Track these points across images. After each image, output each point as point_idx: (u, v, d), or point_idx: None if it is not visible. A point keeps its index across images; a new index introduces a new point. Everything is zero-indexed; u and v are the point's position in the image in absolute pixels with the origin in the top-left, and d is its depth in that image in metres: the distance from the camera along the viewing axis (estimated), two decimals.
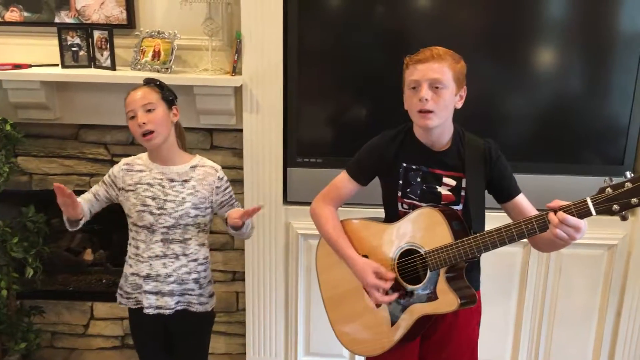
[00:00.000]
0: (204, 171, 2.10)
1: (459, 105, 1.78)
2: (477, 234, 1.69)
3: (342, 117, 2.70)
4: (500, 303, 2.76)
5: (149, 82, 2.09)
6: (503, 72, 2.59)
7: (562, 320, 2.78)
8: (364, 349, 1.95)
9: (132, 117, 2.01)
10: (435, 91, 1.69)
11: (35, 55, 2.72)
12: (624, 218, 1.52)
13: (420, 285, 1.78)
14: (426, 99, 1.68)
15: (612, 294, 2.73)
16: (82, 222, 2.07)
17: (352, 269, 1.87)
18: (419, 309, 1.79)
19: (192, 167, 2.09)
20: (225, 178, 2.15)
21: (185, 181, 2.07)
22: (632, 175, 1.49)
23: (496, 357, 2.83)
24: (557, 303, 2.76)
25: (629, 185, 1.48)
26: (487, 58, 2.56)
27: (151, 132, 1.99)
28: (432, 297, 1.76)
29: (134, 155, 2.17)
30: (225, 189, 2.14)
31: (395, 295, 1.80)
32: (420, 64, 1.71)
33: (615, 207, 1.49)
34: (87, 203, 2.11)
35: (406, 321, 1.81)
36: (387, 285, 1.79)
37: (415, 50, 1.79)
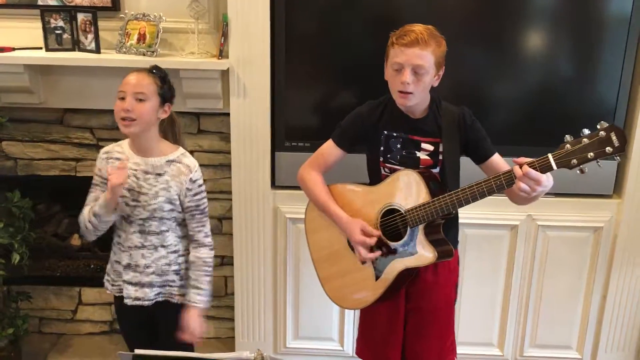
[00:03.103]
0: (177, 168, 2.00)
1: (436, 83, 1.88)
2: (452, 192, 1.81)
3: (330, 100, 2.68)
4: (487, 285, 2.77)
5: (153, 70, 1.99)
6: (490, 55, 2.59)
7: (549, 302, 2.80)
8: (350, 303, 2.14)
9: (122, 99, 1.93)
10: (417, 76, 1.80)
11: (18, 39, 2.67)
12: (582, 171, 1.62)
13: (401, 241, 1.92)
14: (408, 83, 1.79)
15: (597, 277, 2.76)
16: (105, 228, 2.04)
17: (340, 227, 2.01)
18: (400, 264, 1.93)
19: (168, 161, 2.00)
20: (200, 182, 2.03)
21: (159, 175, 1.99)
22: (589, 131, 1.60)
23: (483, 339, 2.86)
24: (543, 285, 2.78)
25: (585, 141, 1.60)
26: (474, 42, 2.55)
27: (132, 119, 1.91)
28: (412, 252, 1.90)
29: (120, 139, 2.10)
30: (196, 194, 2.02)
31: (378, 253, 1.94)
32: (405, 47, 1.79)
33: (574, 161, 1.61)
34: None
35: (389, 275, 1.96)
36: (372, 241, 1.93)
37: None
